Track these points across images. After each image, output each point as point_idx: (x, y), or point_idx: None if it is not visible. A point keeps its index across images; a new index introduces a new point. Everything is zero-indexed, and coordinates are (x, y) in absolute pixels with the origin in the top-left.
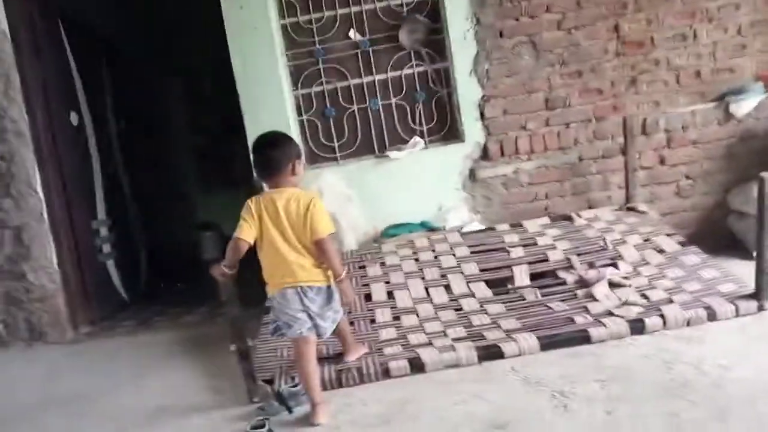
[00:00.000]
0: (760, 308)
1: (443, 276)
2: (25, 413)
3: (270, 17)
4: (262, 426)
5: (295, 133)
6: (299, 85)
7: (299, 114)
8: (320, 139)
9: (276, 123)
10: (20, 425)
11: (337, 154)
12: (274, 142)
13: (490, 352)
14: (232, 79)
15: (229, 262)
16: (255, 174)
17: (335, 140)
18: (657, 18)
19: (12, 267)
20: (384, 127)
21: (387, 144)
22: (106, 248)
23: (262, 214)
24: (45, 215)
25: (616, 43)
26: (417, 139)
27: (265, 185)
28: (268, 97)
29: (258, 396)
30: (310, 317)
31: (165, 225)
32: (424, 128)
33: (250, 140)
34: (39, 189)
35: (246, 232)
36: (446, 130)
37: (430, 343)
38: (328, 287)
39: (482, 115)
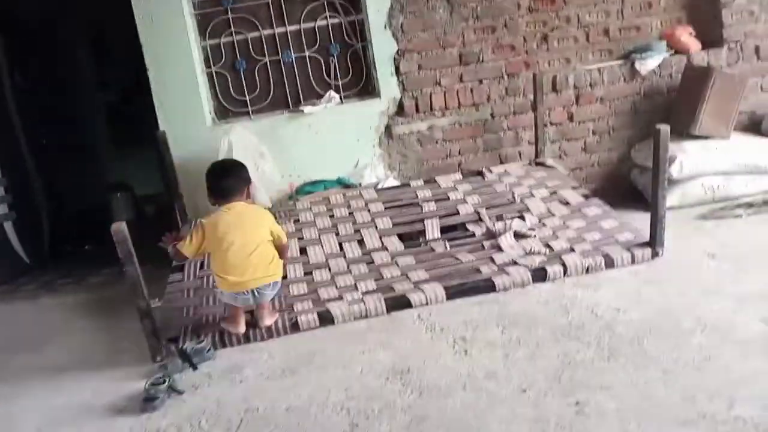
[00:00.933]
0: (654, 255)
1: (357, 231)
2: None
3: None
4: (162, 382)
5: (203, 87)
6: (207, 35)
7: (207, 66)
8: (231, 92)
9: (183, 76)
10: None
11: (249, 108)
12: (228, 171)
13: (398, 303)
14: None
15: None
16: (211, 200)
17: (246, 94)
18: None
19: None
20: (298, 80)
21: (301, 98)
22: (2, 209)
23: (215, 230)
24: None
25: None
26: (332, 93)
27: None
28: (173, 48)
29: (161, 354)
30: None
31: (75, 186)
32: (340, 83)
33: (157, 94)
34: None
35: (187, 250)
36: (362, 85)
37: (340, 297)
38: (277, 282)
39: (397, 70)
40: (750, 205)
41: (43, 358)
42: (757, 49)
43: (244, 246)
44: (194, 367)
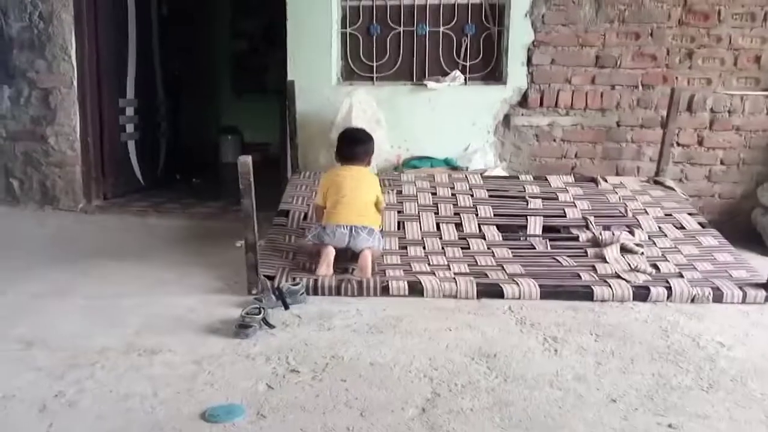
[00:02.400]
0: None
1: (456, 214)
2: (34, 268)
3: None
4: (257, 313)
5: (335, 46)
6: None
7: (343, 26)
8: (360, 55)
9: (318, 32)
10: (30, 279)
11: (374, 74)
12: (360, 141)
13: (490, 290)
14: None
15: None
16: (337, 158)
17: (375, 59)
18: None
19: (35, 128)
20: (427, 54)
21: (426, 73)
22: (130, 128)
23: (335, 180)
24: (75, 82)
25: (681, 11)
26: (457, 73)
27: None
28: (315, 3)
29: (257, 289)
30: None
31: (190, 123)
32: (468, 63)
33: (291, 46)
34: (73, 55)
35: (319, 201)
36: (489, 69)
37: (432, 273)
38: (373, 229)
39: (529, 60)
40: None
41: (147, 269)
42: None
43: (355, 199)
44: (286, 307)
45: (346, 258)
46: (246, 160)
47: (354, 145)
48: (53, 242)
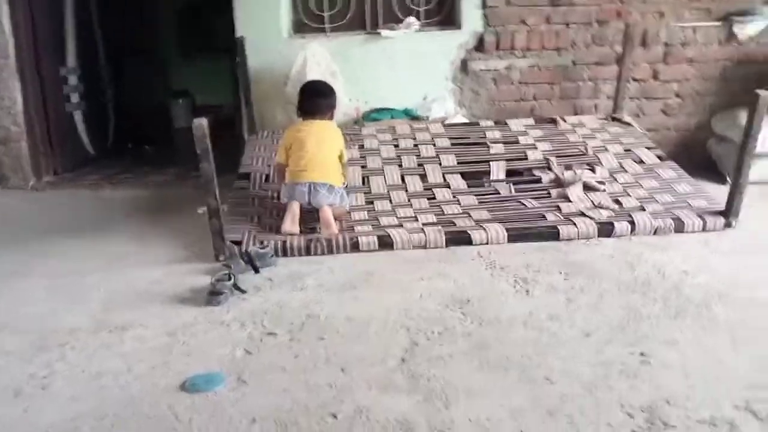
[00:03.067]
0: (727, 225)
1: (420, 165)
2: None
3: None
4: (228, 279)
5: None
6: None
7: None
8: (310, 6)
9: None
10: None
11: (326, 25)
12: (321, 93)
13: (458, 238)
14: None
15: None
16: (298, 113)
17: (326, 10)
18: None
19: None
20: (380, 2)
21: (381, 21)
22: (75, 98)
23: (297, 135)
24: (11, 54)
25: None
26: (412, 19)
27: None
28: None
29: (225, 255)
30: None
31: (138, 87)
32: (422, 9)
33: (237, 4)
34: (6, 26)
35: (281, 157)
36: (444, 14)
37: (400, 225)
38: (333, 186)
39: (484, 3)
40: None
41: (106, 244)
42: None
43: (318, 154)
44: (256, 270)
45: (314, 218)
46: (201, 123)
47: (315, 98)
48: (4, 223)
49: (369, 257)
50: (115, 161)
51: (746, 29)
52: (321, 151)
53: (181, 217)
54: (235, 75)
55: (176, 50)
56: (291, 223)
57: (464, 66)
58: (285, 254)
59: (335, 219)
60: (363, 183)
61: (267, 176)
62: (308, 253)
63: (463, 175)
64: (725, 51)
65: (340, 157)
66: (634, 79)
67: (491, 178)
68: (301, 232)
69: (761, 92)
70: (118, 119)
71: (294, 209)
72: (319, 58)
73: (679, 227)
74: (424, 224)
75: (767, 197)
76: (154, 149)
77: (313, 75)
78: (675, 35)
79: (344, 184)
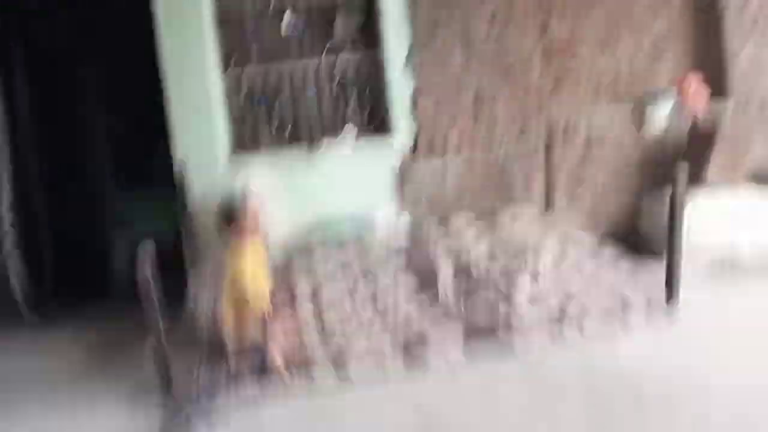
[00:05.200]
0: (670, 311)
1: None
2: None
3: None
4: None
5: (223, 118)
6: (229, 68)
7: (228, 99)
8: (249, 126)
9: (202, 107)
10: None
11: (266, 143)
12: (223, 212)
13: (417, 362)
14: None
15: None
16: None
17: (264, 128)
18: (582, 21)
19: None
20: (316, 117)
21: (318, 134)
22: (7, 245)
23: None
24: None
25: (542, 45)
26: (348, 129)
27: None
28: (195, 78)
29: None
30: None
31: (73, 220)
32: (357, 119)
33: (175, 127)
34: None
35: None
36: (379, 122)
37: (358, 355)
38: None
39: (415, 107)
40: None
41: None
42: (763, 103)
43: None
44: None
45: None
46: (144, 278)
47: (222, 221)
48: None
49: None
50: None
51: (656, 113)
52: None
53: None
54: (177, 202)
55: (113, 181)
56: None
57: (403, 169)
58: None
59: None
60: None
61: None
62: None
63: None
64: (640, 135)
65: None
66: (563, 169)
67: (440, 292)
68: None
69: (680, 168)
70: (56, 259)
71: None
72: (261, 176)
73: (626, 325)
74: (380, 353)
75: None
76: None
77: (255, 194)
78: (595, 125)
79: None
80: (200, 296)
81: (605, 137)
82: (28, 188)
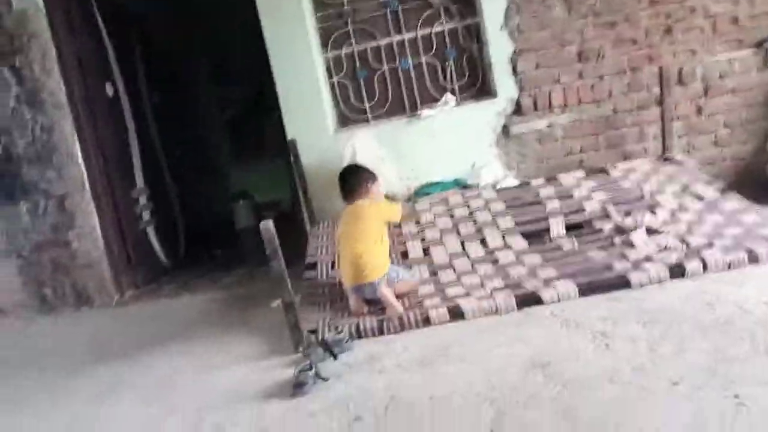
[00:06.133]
0: None
1: (478, 231)
2: (79, 367)
3: None
4: (310, 369)
5: (326, 96)
6: (329, 47)
7: (330, 76)
8: (351, 100)
9: (307, 86)
10: (76, 377)
11: (369, 115)
12: (348, 174)
13: (529, 299)
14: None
15: None
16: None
17: (366, 101)
18: None
19: (57, 235)
20: (415, 86)
21: (419, 103)
22: (146, 215)
23: (339, 237)
24: (86, 184)
25: None
26: (449, 96)
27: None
28: (299, 60)
29: (303, 345)
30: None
31: (201, 196)
32: (456, 86)
33: (285, 106)
34: (79, 159)
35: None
36: (478, 86)
37: (468, 294)
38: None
39: (514, 69)
40: None
41: (190, 350)
42: None
43: (355, 246)
44: (335, 357)
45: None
46: (268, 226)
47: (344, 181)
48: (95, 343)
49: (441, 330)
50: (190, 269)
51: None
52: (360, 242)
53: (257, 314)
54: (291, 173)
55: (231, 156)
56: (357, 306)
57: (506, 131)
58: (360, 337)
59: (402, 296)
60: (425, 254)
61: (333, 263)
62: (381, 333)
63: (524, 235)
64: (765, 76)
65: (391, 220)
66: (678, 118)
67: (552, 236)
68: (370, 312)
69: None
70: (187, 228)
71: (359, 303)
72: (366, 146)
73: (753, 259)
74: (492, 290)
75: None
76: (222, 252)
77: (362, 162)
78: (711, 69)
79: (392, 261)
80: (319, 255)
81: (725, 83)
82: (159, 169)
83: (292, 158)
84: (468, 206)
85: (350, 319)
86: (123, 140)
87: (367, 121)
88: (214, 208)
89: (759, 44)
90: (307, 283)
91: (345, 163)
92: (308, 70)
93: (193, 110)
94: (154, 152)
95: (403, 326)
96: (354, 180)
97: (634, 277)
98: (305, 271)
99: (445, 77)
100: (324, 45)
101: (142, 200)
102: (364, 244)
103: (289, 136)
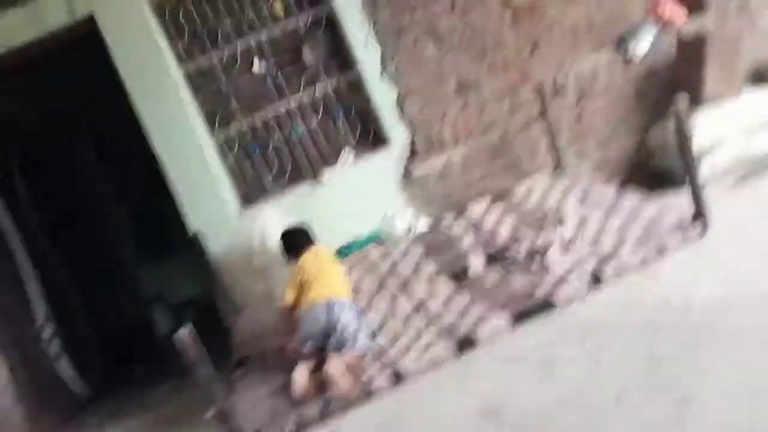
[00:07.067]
0: (703, 230)
1: (404, 284)
2: None
3: (168, 66)
4: None
5: (223, 178)
6: (216, 128)
7: (224, 157)
8: (251, 177)
9: (200, 172)
10: None
11: (270, 189)
12: (303, 228)
13: (466, 343)
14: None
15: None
16: (289, 257)
17: (265, 175)
18: None
19: None
20: (312, 149)
21: (319, 166)
22: (54, 347)
23: (303, 271)
24: None
25: (509, 15)
26: (345, 153)
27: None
28: (187, 146)
29: None
30: None
31: (112, 303)
32: (351, 141)
33: (181, 196)
34: None
35: (289, 296)
36: (372, 137)
37: (406, 353)
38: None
39: (402, 114)
40: None
41: None
42: (740, 5)
43: (330, 270)
44: None
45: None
46: (183, 336)
47: (300, 235)
48: None
49: (386, 401)
50: (111, 393)
51: (640, 47)
52: (333, 268)
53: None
54: (202, 265)
55: (138, 253)
56: (301, 382)
57: (408, 175)
58: (304, 428)
59: (349, 368)
60: None
61: (263, 353)
62: (325, 417)
63: (448, 276)
64: (631, 71)
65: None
66: (563, 128)
67: (473, 271)
68: (314, 391)
69: (679, 99)
70: (103, 343)
71: (302, 369)
72: (275, 220)
73: (662, 250)
74: (428, 343)
75: (727, 188)
76: (145, 367)
77: (273, 237)
78: (581, 76)
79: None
80: (245, 341)
81: (596, 85)
82: (60, 287)
83: (198, 252)
84: (389, 260)
85: (293, 410)
86: (15, 277)
87: (270, 195)
88: (128, 314)
89: (617, 43)
90: (241, 379)
91: (257, 241)
92: (198, 155)
93: (89, 209)
94: (53, 277)
95: (347, 405)
96: (306, 236)
97: (558, 296)
98: (236, 369)
99: (337, 135)
100: (211, 125)
101: (47, 333)
102: (336, 272)
103: (193, 227)
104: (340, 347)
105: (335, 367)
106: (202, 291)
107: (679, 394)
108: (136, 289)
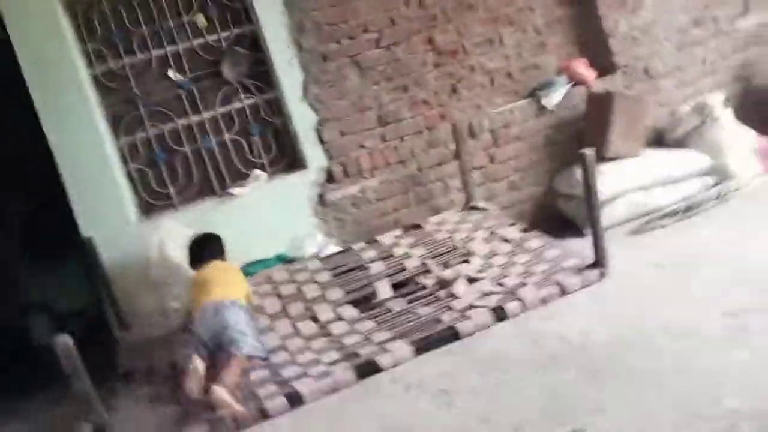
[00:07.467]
0: (602, 274)
1: (308, 308)
2: None
3: (76, 64)
4: None
5: (123, 185)
6: (121, 133)
7: (125, 164)
8: (153, 186)
9: (99, 177)
10: None
11: (175, 200)
12: (213, 238)
13: (367, 368)
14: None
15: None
16: (194, 266)
17: (170, 186)
18: (465, 27)
19: None
20: (222, 165)
21: (228, 181)
22: None
23: (199, 277)
24: None
25: (433, 55)
26: (257, 172)
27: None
28: (87, 150)
29: None
30: None
31: None
32: (265, 160)
33: (75, 200)
34: None
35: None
36: (288, 158)
37: (305, 374)
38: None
39: (321, 139)
40: (674, 213)
41: None
42: (646, 70)
43: (222, 278)
44: None
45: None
46: (64, 340)
47: (207, 245)
48: None
49: (281, 423)
50: None
51: (552, 99)
52: (226, 276)
53: None
54: (92, 274)
55: (22, 257)
56: (192, 387)
57: (322, 200)
58: None
59: (236, 383)
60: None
61: (151, 367)
62: None
63: (353, 302)
64: (542, 121)
65: (248, 298)
66: (476, 168)
67: (379, 298)
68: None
69: (586, 151)
70: None
71: (192, 374)
72: (175, 233)
73: (563, 290)
74: (329, 364)
75: (624, 238)
76: (17, 376)
77: (174, 251)
78: (496, 121)
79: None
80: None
81: (510, 131)
82: None
83: (89, 260)
84: (294, 282)
85: (179, 428)
86: None
87: (173, 206)
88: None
89: (531, 93)
90: (125, 394)
91: (154, 254)
92: (99, 160)
93: None
94: None
95: (238, 426)
96: (217, 245)
97: (462, 327)
98: (121, 383)
99: (252, 153)
100: (115, 131)
101: None
102: (231, 281)
103: (85, 232)
104: (229, 346)
105: (220, 392)
106: (91, 301)
107: (574, 427)
108: (17, 294)
